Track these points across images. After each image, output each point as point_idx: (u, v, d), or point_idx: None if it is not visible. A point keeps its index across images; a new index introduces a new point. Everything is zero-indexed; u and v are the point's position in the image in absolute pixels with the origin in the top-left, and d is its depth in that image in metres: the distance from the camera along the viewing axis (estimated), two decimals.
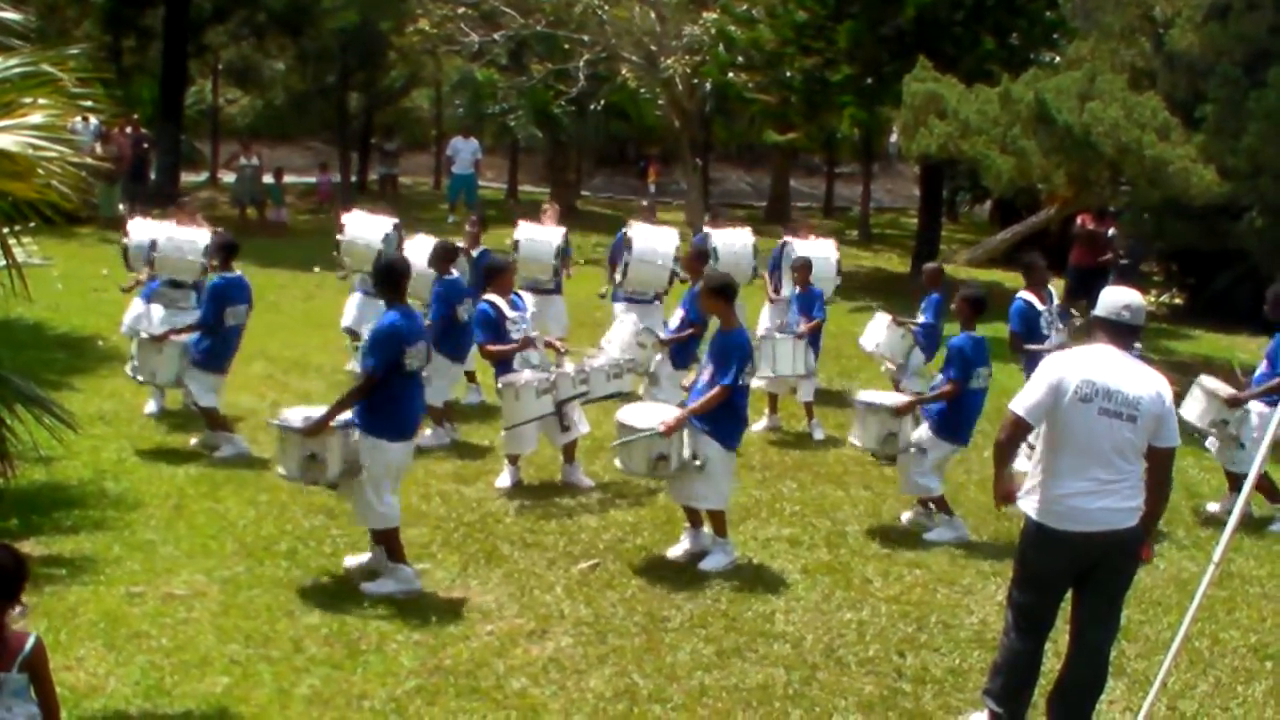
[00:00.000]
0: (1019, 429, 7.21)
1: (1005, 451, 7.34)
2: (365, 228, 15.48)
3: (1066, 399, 6.96)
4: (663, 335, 13.87)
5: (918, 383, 14.14)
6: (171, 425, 13.53)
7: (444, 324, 12.96)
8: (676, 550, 10.43)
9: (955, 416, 11.17)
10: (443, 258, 13.30)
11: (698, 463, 10.02)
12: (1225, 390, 12.08)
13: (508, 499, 11.67)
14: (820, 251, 16.01)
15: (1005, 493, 7.46)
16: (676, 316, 14.08)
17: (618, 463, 10.46)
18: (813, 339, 14.44)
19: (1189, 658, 8.70)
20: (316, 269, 15.82)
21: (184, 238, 13.97)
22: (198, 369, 12.63)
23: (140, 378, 13.16)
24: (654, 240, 15.35)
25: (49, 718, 5.02)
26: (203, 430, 12.85)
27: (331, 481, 9.66)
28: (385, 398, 9.30)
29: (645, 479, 11.09)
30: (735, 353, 10.01)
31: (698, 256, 14.30)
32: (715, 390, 9.95)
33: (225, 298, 12.59)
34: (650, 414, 10.43)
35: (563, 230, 16.07)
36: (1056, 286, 15.20)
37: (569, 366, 11.96)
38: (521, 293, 12.70)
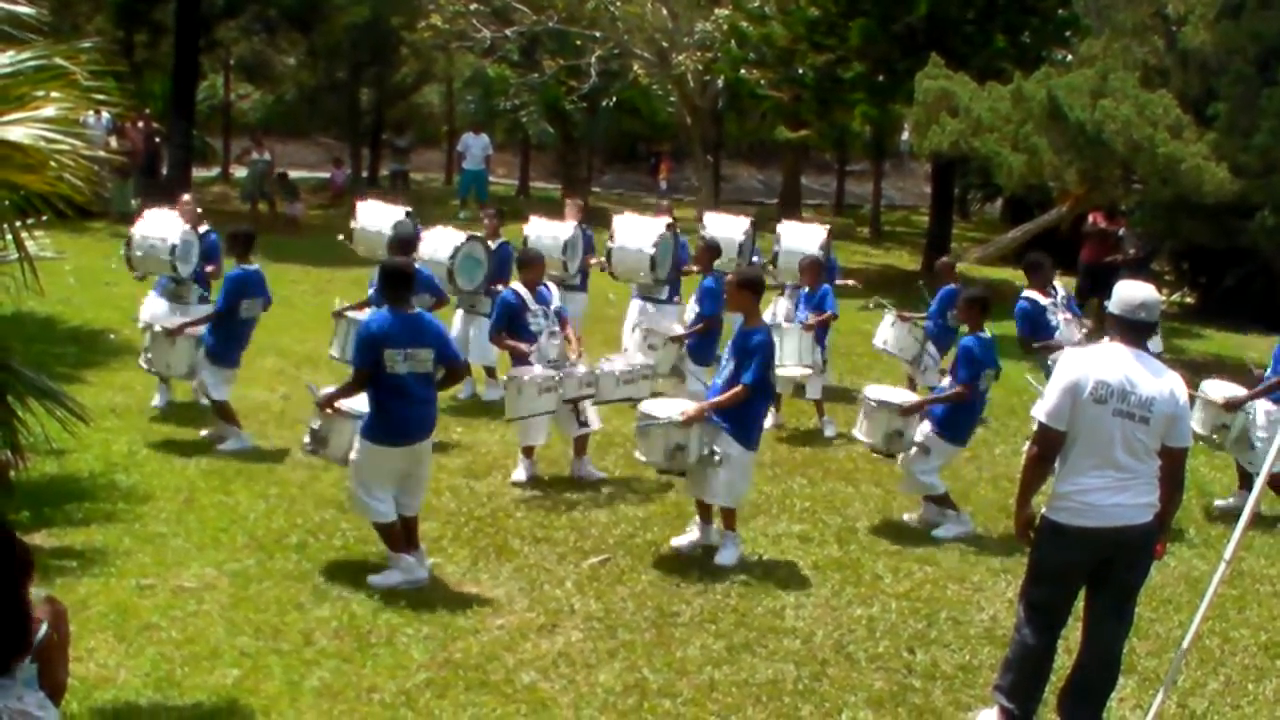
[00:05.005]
0: (1049, 437, 7.06)
1: (1040, 464, 7.20)
2: (376, 216, 15.45)
3: (1081, 399, 6.92)
4: (675, 332, 13.90)
5: (934, 378, 14.12)
6: (182, 419, 13.54)
7: None
8: (683, 540, 10.45)
9: (958, 417, 11.18)
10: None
11: (716, 458, 10.02)
12: (1221, 395, 12.12)
13: (520, 493, 11.68)
14: (807, 243, 16.03)
15: (1026, 521, 7.33)
16: (691, 310, 14.09)
17: (638, 453, 10.48)
18: (820, 335, 14.35)
19: (1199, 656, 8.68)
20: (340, 236, 15.85)
21: (155, 235, 13.98)
22: (211, 362, 12.67)
23: (153, 370, 13.23)
24: (636, 232, 15.21)
25: (51, 697, 5.03)
26: (212, 423, 12.88)
27: (332, 459, 10.23)
28: (371, 400, 9.34)
29: (662, 473, 10.97)
30: (757, 351, 10.00)
31: (708, 251, 14.29)
32: (736, 389, 9.97)
33: (242, 290, 12.64)
34: (673, 406, 10.46)
35: (573, 225, 15.71)
36: (1068, 285, 15.14)
37: (580, 368, 11.91)
38: (549, 284, 12.53)
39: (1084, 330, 13.29)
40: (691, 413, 10.04)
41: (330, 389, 10.14)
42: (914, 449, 11.18)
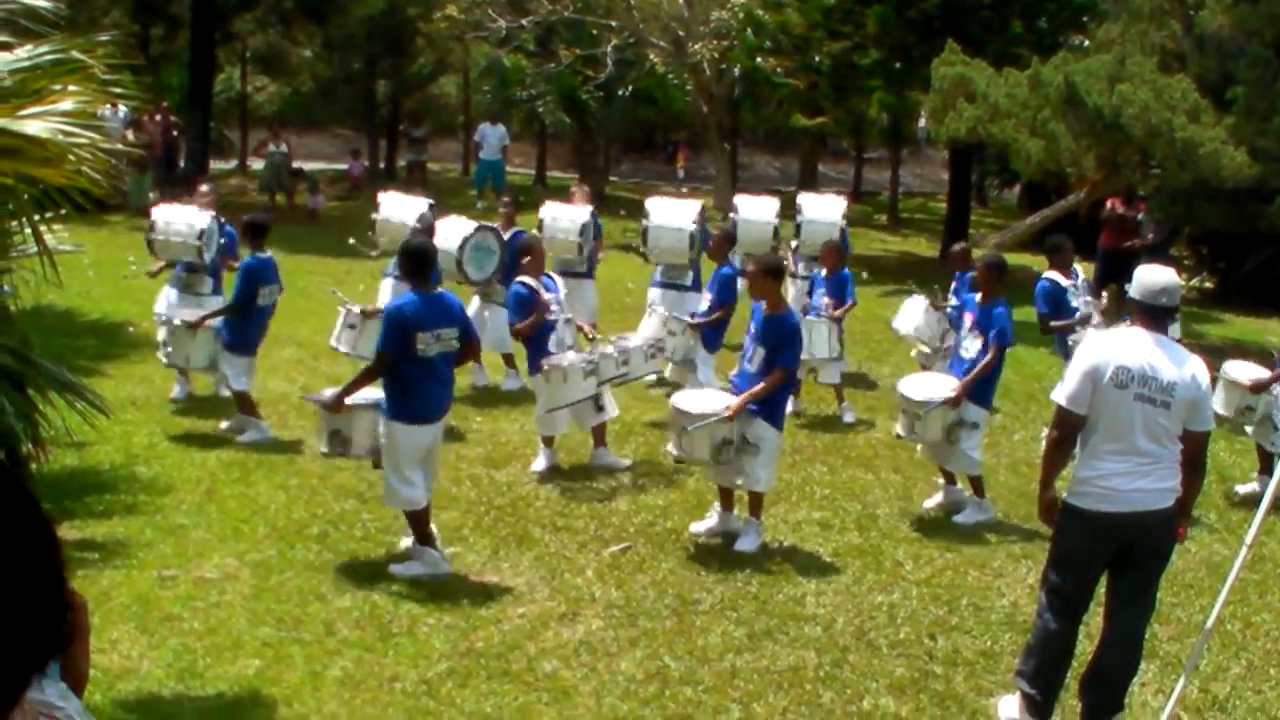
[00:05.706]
0: (1069, 420, 7.04)
1: (1060, 448, 7.19)
2: (400, 208, 15.44)
3: (1102, 384, 6.90)
4: (691, 320, 13.91)
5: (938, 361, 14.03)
6: (202, 411, 13.57)
7: None
8: (701, 526, 10.47)
9: (992, 382, 11.17)
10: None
11: (753, 443, 10.02)
12: (1246, 378, 12.06)
13: (541, 483, 11.68)
14: (829, 213, 16.02)
15: (1049, 504, 7.31)
16: (705, 300, 14.10)
17: (672, 449, 10.34)
18: (838, 320, 14.34)
19: (1221, 641, 8.67)
20: (351, 240, 15.85)
21: (181, 221, 14.02)
22: (230, 351, 12.69)
23: (173, 363, 13.26)
24: (673, 211, 15.27)
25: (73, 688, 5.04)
26: (232, 415, 12.90)
27: (358, 456, 10.05)
28: (397, 381, 9.30)
29: (698, 465, 10.78)
30: (791, 336, 10.07)
31: (725, 240, 14.31)
32: (776, 374, 9.96)
33: (258, 278, 12.66)
34: (707, 400, 10.39)
35: (589, 209, 15.71)
36: (1085, 270, 15.09)
37: (609, 348, 11.94)
38: (553, 275, 12.56)
39: (1100, 311, 13.25)
40: (736, 406, 9.96)
41: (328, 392, 10.08)
42: (964, 428, 11.06)
